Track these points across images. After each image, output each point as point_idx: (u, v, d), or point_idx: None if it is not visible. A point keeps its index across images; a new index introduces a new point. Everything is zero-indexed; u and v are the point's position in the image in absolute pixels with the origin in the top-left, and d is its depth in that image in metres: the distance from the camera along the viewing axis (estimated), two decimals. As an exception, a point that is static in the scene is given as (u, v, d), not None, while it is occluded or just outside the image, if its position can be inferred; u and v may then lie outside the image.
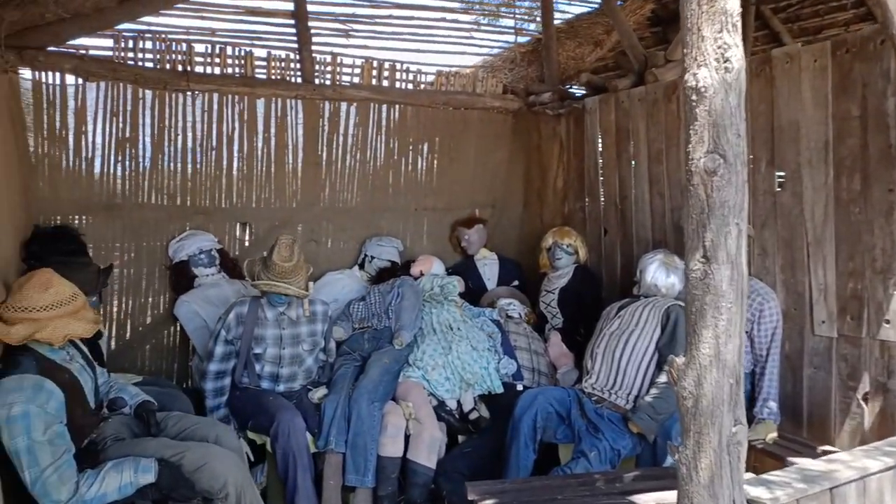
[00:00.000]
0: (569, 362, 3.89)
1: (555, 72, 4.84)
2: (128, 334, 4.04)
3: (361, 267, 4.50)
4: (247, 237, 4.32)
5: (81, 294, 2.41)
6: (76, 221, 3.77)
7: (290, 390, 3.40)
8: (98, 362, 3.00)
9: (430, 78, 4.81)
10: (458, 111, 4.89)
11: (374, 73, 4.57)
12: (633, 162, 4.21)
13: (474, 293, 4.52)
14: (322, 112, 4.44)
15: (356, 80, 4.52)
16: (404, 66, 4.69)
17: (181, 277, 3.93)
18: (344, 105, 4.50)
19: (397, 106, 4.69)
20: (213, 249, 3.98)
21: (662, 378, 3.05)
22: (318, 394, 3.38)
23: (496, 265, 4.79)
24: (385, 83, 4.62)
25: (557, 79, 4.87)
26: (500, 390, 3.66)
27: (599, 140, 4.50)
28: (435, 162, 4.92)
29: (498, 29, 5.26)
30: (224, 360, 3.28)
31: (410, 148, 4.81)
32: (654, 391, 3.06)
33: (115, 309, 3.98)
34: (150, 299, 4.07)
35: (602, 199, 4.49)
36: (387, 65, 4.62)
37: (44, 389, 2.17)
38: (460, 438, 3.56)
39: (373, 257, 4.46)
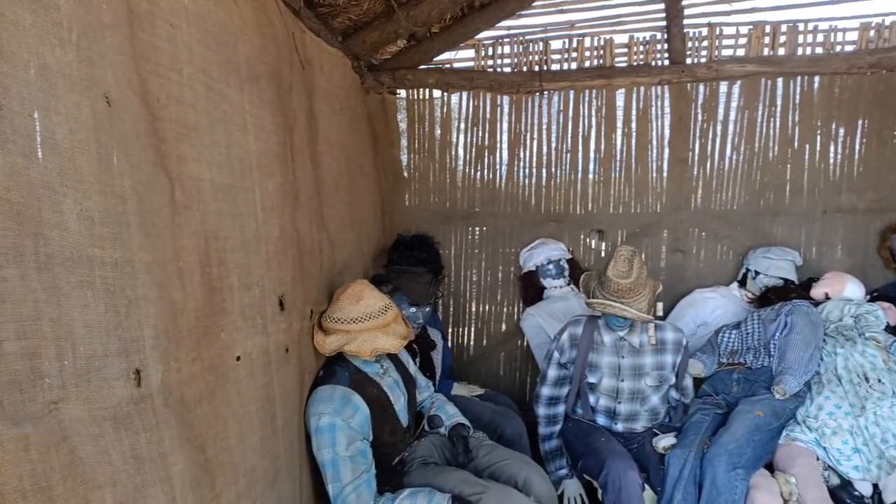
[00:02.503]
0: None
1: None
2: (483, 341, 4.09)
3: (742, 284, 3.62)
4: (602, 246, 3.91)
5: (393, 308, 2.37)
6: (439, 230, 3.95)
7: (631, 432, 2.87)
8: (429, 374, 3.01)
9: (851, 35, 3.62)
10: (894, 74, 3.56)
11: (767, 40, 3.65)
12: None
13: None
14: (694, 97, 3.74)
15: (740, 52, 3.68)
16: (810, 26, 3.62)
17: (530, 288, 3.77)
18: (723, 85, 3.71)
19: (799, 78, 3.66)
20: (562, 260, 3.71)
21: None
22: (663, 442, 2.75)
23: (959, 290, 3.32)
24: (781, 51, 3.64)
25: None
26: (952, 483, 2.42)
27: None
28: (857, 146, 3.69)
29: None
30: (557, 385, 2.93)
31: (819, 131, 3.70)
32: None
33: (473, 317, 4.06)
34: (505, 308, 4.04)
35: None
36: (784, 27, 3.63)
37: (350, 403, 2.17)
38: (875, 542, 2.48)
39: (757, 273, 3.55)
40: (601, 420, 2.90)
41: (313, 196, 2.36)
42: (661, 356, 2.82)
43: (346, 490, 2.08)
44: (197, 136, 1.54)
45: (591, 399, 2.89)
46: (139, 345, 1.28)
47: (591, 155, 3.87)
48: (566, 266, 3.72)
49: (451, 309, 4.06)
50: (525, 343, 3.89)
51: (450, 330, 4.08)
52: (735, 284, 3.65)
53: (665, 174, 3.82)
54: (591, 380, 2.85)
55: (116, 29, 1.26)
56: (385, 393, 2.33)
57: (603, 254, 3.89)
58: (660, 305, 2.82)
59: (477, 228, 3.98)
